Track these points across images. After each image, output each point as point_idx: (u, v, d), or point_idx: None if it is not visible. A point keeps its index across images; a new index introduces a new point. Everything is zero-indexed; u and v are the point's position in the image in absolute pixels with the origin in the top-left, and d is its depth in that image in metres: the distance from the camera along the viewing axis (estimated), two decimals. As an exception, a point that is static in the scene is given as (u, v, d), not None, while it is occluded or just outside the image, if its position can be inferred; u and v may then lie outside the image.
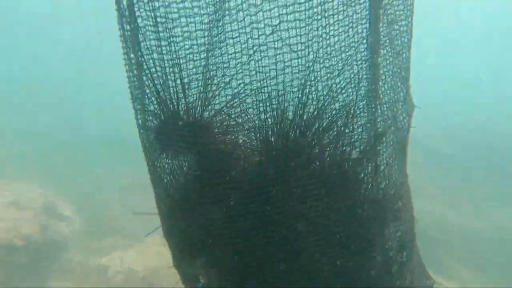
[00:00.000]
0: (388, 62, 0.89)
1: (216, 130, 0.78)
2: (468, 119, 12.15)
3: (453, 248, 6.91)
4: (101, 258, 5.16)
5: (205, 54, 0.80)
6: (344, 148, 0.81)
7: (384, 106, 0.87)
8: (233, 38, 0.80)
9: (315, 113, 0.78)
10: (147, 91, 0.79)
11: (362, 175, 0.83)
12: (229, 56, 0.80)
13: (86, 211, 7.35)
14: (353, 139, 0.81)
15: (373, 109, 0.85)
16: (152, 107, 0.80)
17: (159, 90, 0.76)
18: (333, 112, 0.80)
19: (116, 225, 7.12)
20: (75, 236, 5.80)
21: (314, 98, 0.78)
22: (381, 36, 0.84)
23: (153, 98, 0.78)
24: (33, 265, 3.93)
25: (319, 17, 0.77)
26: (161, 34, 0.75)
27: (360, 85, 0.82)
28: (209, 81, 0.79)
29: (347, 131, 0.80)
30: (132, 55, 0.81)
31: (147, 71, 0.79)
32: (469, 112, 13.19)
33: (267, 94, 0.76)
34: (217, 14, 0.75)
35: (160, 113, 0.79)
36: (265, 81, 0.77)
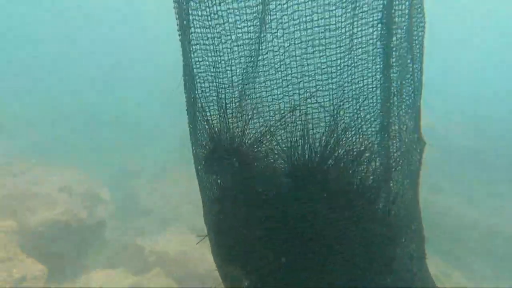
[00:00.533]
0: (400, 104, 1.05)
1: (251, 156, 1.01)
2: (491, 113, 11.73)
3: (471, 244, 6.84)
4: (137, 238, 5.78)
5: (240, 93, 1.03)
6: (361, 174, 0.98)
7: (397, 140, 1.04)
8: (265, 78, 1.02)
9: (336, 142, 0.97)
10: (199, 126, 1.04)
11: (376, 198, 0.98)
12: (262, 96, 1.02)
13: (120, 195, 8.11)
14: (368, 167, 0.98)
15: (387, 143, 1.01)
16: (203, 140, 1.04)
17: (210, 124, 1.01)
18: (351, 142, 0.98)
19: (146, 208, 7.78)
20: (112, 218, 6.51)
21: (335, 132, 0.97)
22: (392, 82, 1.00)
23: (204, 133, 1.02)
24: (83, 243, 4.58)
25: (345, 64, 0.95)
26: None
27: (375, 121, 0.99)
28: (247, 116, 1.02)
29: (362, 159, 0.97)
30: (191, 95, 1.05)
31: (200, 110, 1.04)
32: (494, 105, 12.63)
33: (295, 126, 0.97)
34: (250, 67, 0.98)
35: (208, 145, 1.03)
36: (294, 116, 0.98)
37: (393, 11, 0.94)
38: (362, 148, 0.99)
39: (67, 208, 4.57)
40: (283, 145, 1.01)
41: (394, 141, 1.04)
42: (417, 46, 1.12)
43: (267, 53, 1.02)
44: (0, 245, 3.06)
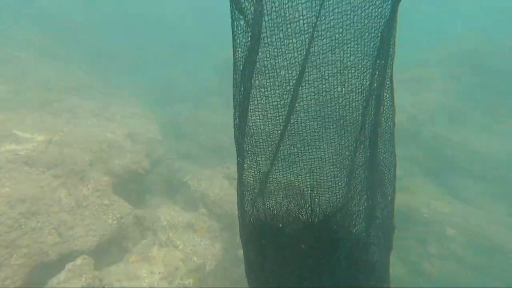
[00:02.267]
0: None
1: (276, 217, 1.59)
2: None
3: (475, 173, 7.90)
4: (185, 177, 7.17)
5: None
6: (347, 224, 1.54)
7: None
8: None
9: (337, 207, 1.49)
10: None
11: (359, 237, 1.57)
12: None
13: (172, 138, 9.42)
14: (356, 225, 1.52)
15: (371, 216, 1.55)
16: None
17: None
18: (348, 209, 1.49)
19: (192, 153, 9.07)
20: (170, 159, 7.91)
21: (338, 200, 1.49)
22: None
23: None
24: (148, 187, 5.98)
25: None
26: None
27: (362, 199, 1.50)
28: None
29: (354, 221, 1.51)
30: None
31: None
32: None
33: (305, 194, 1.49)
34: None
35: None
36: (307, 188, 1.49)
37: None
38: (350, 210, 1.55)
39: (134, 154, 5.79)
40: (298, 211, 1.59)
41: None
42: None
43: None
44: (99, 193, 4.35)
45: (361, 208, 1.55)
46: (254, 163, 1.54)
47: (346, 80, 1.30)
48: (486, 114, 10.37)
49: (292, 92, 1.34)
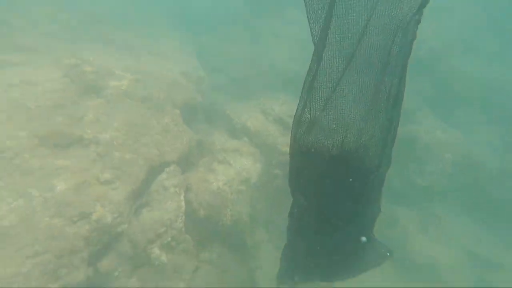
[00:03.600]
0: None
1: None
2: None
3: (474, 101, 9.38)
4: (226, 110, 8.39)
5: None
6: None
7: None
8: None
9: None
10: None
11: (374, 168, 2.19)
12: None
13: (207, 72, 10.20)
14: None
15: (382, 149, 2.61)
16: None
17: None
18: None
19: (224, 86, 9.92)
20: (210, 92, 8.99)
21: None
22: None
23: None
24: (206, 118, 7.30)
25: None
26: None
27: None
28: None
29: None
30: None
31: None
32: None
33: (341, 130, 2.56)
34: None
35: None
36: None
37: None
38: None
39: (189, 90, 6.94)
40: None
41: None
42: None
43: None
44: (175, 122, 5.72)
45: (377, 146, 2.10)
46: (309, 107, 2.08)
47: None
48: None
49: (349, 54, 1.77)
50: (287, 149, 7.84)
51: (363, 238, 2.28)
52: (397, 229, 7.41)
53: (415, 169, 7.50)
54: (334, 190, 2.16)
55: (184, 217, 5.16)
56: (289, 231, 2.45)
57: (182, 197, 5.25)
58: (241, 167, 6.43)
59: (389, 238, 6.36)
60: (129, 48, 7.43)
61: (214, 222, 5.43)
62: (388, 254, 2.61)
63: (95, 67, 5.04)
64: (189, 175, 5.70)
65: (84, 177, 3.90)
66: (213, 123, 8.28)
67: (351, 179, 2.11)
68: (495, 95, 9.52)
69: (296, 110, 2.12)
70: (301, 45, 11.83)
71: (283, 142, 7.28)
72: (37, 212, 3.35)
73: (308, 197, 2.36)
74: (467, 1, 10.65)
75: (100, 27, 7.98)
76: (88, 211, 3.72)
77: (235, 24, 13.13)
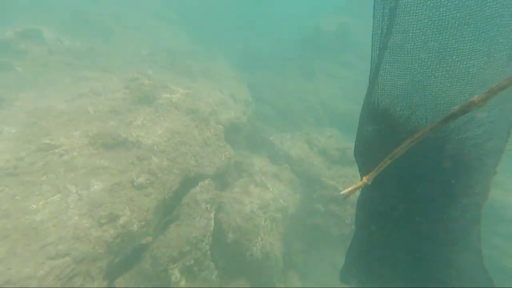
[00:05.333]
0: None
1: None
2: None
3: None
4: (269, 136, 8.19)
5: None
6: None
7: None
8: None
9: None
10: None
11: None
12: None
13: (255, 100, 10.45)
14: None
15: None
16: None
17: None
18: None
19: (270, 115, 9.92)
20: (255, 118, 9.05)
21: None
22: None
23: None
24: (247, 141, 7.21)
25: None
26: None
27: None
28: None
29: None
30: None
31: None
32: None
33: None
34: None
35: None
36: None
37: None
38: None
39: (235, 111, 7.00)
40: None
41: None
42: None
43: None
44: (216, 137, 5.68)
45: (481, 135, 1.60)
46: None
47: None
48: None
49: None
50: (332, 183, 6.96)
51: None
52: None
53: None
54: (421, 182, 1.59)
55: (211, 238, 4.70)
56: (357, 224, 1.94)
57: (212, 215, 4.86)
58: (279, 193, 5.86)
59: None
60: (187, 73, 8.09)
61: (243, 250, 4.81)
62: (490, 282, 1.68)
63: (152, 81, 5.45)
64: (223, 194, 5.36)
65: (120, 178, 3.88)
66: (254, 149, 8.09)
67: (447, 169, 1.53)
68: None
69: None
70: (354, 86, 11.64)
71: (327, 175, 6.57)
72: (69, 209, 3.32)
73: (385, 186, 1.77)
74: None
75: (169, 58, 9.03)
76: (116, 214, 3.59)
77: (290, 63, 13.78)
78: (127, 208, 3.76)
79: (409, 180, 1.66)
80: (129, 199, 3.84)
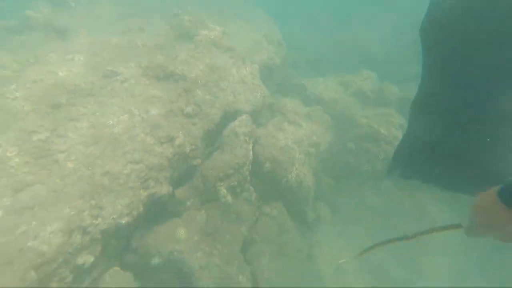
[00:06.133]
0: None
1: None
2: None
3: None
4: (301, 80, 8.12)
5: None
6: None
7: None
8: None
9: None
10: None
11: None
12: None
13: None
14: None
15: None
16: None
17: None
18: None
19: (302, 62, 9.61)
20: (288, 62, 8.89)
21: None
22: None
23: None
24: (279, 84, 7.25)
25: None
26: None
27: None
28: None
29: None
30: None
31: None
32: None
33: None
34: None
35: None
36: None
37: None
38: None
39: (269, 52, 6.95)
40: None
41: None
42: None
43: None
44: (252, 75, 5.83)
45: None
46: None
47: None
48: None
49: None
50: (365, 121, 7.03)
51: None
52: None
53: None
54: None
55: (250, 166, 5.22)
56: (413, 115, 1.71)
57: (250, 147, 5.31)
58: (312, 131, 6.10)
59: None
60: (223, 13, 7.95)
61: (279, 178, 5.31)
62: None
63: (191, 17, 5.55)
64: (258, 131, 5.73)
65: (171, 107, 4.32)
66: (286, 92, 8.15)
67: None
68: None
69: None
70: (392, 30, 10.64)
71: (361, 115, 6.57)
72: (136, 127, 3.87)
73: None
74: None
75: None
76: (172, 135, 4.11)
77: (326, 11, 12.77)
78: (180, 133, 4.27)
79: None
80: (180, 125, 4.33)
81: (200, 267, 4.05)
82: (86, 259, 3.12)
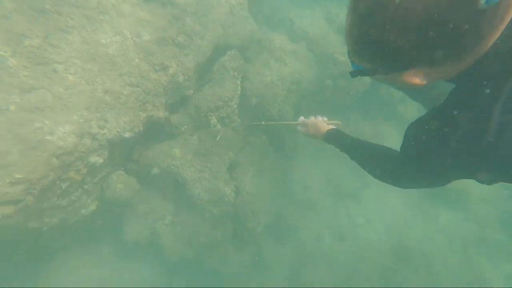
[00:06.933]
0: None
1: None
2: None
3: None
4: (289, 13, 7.93)
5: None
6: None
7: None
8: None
9: None
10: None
11: None
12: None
13: None
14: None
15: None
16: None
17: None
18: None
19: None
20: None
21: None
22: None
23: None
24: (267, 17, 7.03)
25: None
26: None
27: None
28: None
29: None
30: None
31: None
32: None
33: None
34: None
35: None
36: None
37: None
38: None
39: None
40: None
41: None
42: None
43: None
44: (241, 6, 5.68)
45: None
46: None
47: None
48: None
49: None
50: (343, 59, 7.57)
51: None
52: None
53: None
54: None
55: (238, 100, 5.73)
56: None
57: (239, 82, 5.71)
58: (296, 69, 6.49)
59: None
60: None
61: (264, 111, 5.96)
62: None
63: None
64: (247, 66, 6.01)
65: (163, 34, 4.39)
66: (273, 26, 8.02)
67: None
68: None
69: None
70: None
71: (341, 51, 6.94)
72: (129, 51, 4.00)
73: None
74: None
75: None
76: (166, 64, 4.35)
77: None
78: (173, 62, 4.50)
79: None
80: (173, 54, 4.52)
81: (193, 179, 4.98)
82: (97, 159, 3.71)
